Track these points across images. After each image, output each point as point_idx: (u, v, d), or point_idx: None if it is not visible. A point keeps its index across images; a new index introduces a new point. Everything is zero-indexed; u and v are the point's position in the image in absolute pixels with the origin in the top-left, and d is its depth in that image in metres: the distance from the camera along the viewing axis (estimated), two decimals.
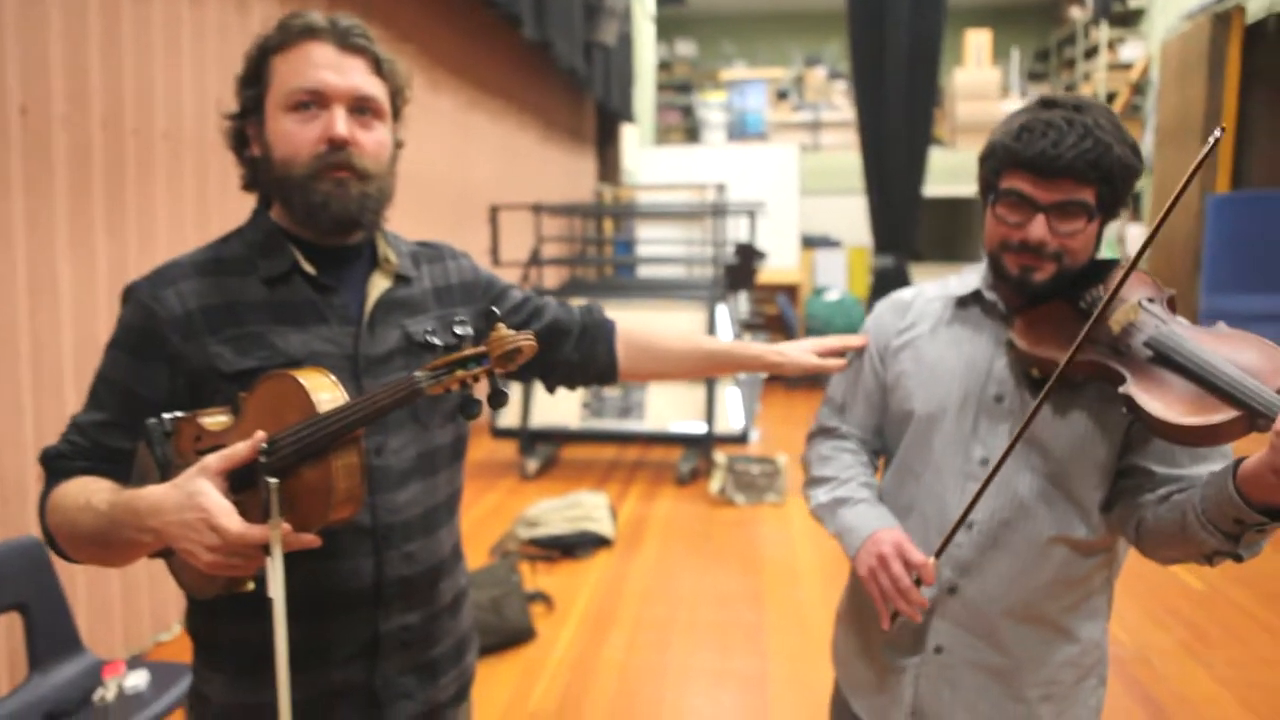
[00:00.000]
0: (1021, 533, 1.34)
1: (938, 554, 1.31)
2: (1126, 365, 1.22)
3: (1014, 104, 11.00)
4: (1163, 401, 1.18)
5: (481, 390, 0.99)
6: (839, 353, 1.50)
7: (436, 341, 0.99)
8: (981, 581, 1.36)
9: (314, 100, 1.10)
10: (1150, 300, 1.27)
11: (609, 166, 9.79)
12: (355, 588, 1.14)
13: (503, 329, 0.95)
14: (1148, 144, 9.06)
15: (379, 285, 1.19)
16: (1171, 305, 1.29)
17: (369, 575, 1.15)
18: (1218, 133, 1.08)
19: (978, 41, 10.72)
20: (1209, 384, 1.16)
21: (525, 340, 0.95)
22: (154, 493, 1.00)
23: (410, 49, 5.09)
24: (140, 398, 1.10)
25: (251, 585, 1.03)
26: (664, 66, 12.85)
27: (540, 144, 7.39)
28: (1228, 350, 1.20)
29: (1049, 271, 1.28)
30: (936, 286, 1.50)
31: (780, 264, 9.39)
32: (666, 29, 12.68)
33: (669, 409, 5.51)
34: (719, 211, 6.21)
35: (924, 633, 1.38)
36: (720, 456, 5.12)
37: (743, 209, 6.45)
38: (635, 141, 10.24)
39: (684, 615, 3.54)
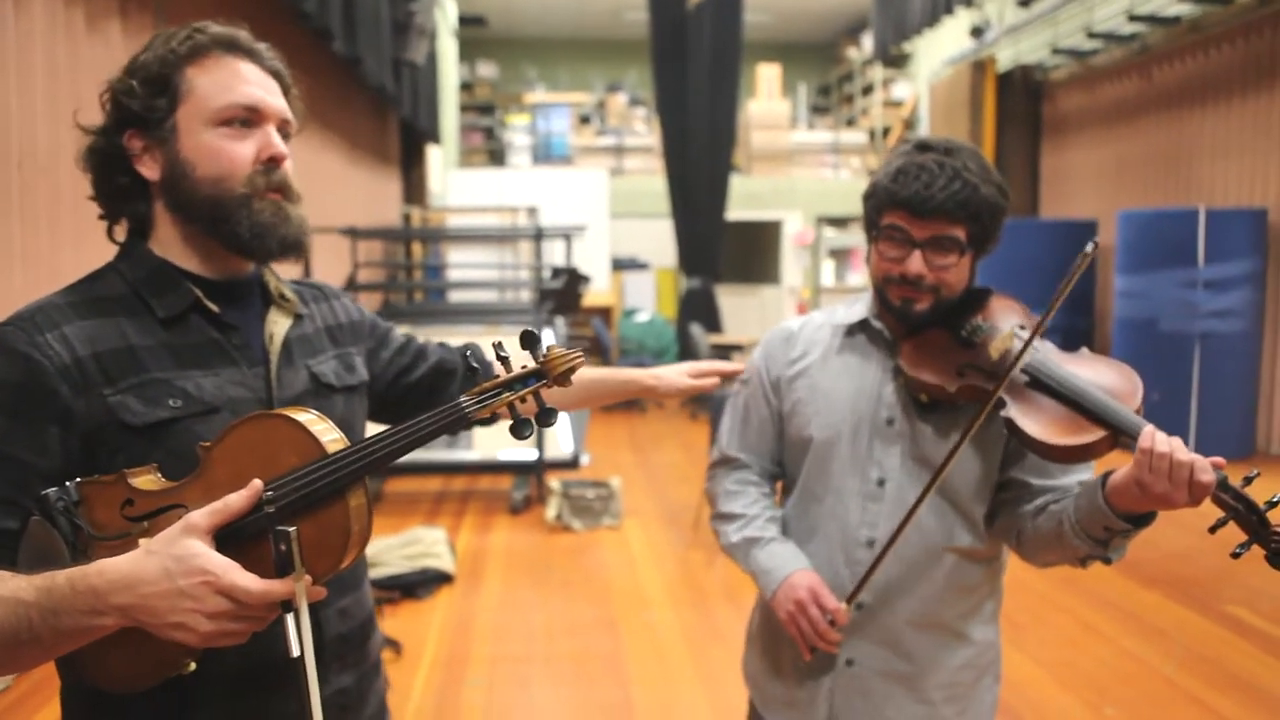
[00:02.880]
0: (917, 546, 1.43)
1: (849, 599, 1.40)
2: (1006, 390, 1.34)
3: (802, 134, 11.77)
4: (1039, 423, 1.32)
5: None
6: (711, 375, 1.53)
7: (474, 364, 1.01)
8: (885, 595, 1.44)
9: (249, 118, 1.06)
10: (1022, 328, 1.40)
11: (414, 188, 9.51)
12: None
13: (555, 347, 0.93)
14: None
15: (280, 323, 1.13)
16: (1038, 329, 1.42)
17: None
18: (1090, 247, 1.28)
19: (769, 75, 11.40)
20: (1079, 407, 1.30)
21: (578, 359, 0.93)
22: (118, 565, 0.87)
23: None
24: (24, 466, 0.95)
25: (193, 665, 0.92)
26: (465, 88, 12.68)
27: (347, 165, 7.06)
28: (1090, 373, 1.35)
29: (927, 302, 1.39)
30: (823, 315, 1.57)
31: (594, 287, 9.49)
32: (468, 50, 12.54)
33: (497, 436, 5.40)
34: (539, 235, 6.19)
35: None
36: (554, 482, 5.08)
37: (562, 232, 6.46)
38: (440, 163, 10.03)
39: (539, 649, 3.46)
